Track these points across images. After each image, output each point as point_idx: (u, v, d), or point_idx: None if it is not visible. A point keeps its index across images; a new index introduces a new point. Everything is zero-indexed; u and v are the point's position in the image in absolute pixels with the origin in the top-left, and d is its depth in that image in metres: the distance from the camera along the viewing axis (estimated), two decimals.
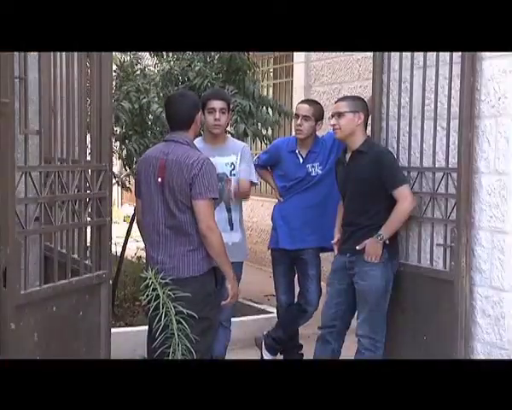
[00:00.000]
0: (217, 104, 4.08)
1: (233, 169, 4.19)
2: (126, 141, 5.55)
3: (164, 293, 3.25)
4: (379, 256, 3.76)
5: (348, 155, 3.96)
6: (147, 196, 3.53)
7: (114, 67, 5.37)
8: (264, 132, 5.86)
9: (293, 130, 4.98)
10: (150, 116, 5.60)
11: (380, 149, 3.95)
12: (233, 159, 4.21)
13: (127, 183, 6.50)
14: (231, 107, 4.67)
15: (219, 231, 3.50)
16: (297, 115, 4.55)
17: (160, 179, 3.44)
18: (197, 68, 5.58)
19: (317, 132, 4.62)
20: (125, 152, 5.64)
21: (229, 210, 4.17)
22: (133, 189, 3.82)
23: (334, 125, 3.93)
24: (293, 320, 4.68)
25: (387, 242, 3.79)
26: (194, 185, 3.37)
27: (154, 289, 3.27)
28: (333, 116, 3.94)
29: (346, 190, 3.97)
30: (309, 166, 4.55)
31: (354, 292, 3.91)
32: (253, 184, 4.35)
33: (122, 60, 5.88)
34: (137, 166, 3.74)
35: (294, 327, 4.71)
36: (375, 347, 3.82)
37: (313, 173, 4.54)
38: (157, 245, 3.49)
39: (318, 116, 4.55)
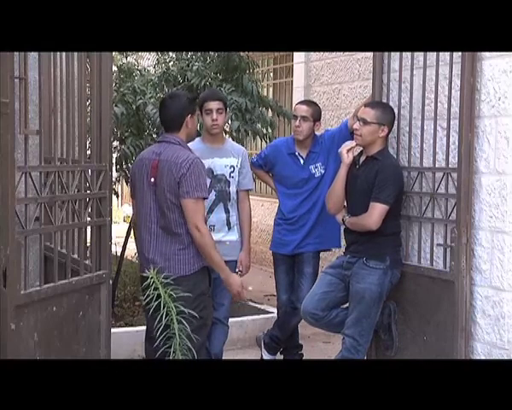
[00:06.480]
0: (213, 105, 4.09)
1: (232, 171, 4.19)
2: (124, 142, 5.53)
3: (166, 292, 3.24)
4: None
5: (363, 158, 3.90)
6: (140, 196, 3.56)
7: (114, 69, 5.35)
8: (264, 132, 5.83)
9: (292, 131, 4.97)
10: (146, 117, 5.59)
11: (392, 161, 3.84)
12: (233, 162, 4.21)
13: (117, 184, 6.36)
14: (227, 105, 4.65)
15: (207, 230, 3.52)
16: (295, 116, 4.55)
17: (152, 179, 3.47)
18: (195, 68, 5.56)
19: (316, 132, 4.61)
20: (115, 154, 5.58)
21: (227, 211, 4.19)
22: (123, 191, 3.83)
23: (356, 129, 3.81)
24: (286, 318, 4.65)
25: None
26: (181, 184, 3.39)
27: (155, 289, 3.27)
28: (358, 119, 3.82)
29: (353, 192, 3.90)
30: (311, 166, 4.54)
31: (343, 289, 3.90)
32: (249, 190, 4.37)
33: (121, 63, 5.86)
34: (132, 167, 3.77)
35: (288, 326, 4.67)
36: (356, 349, 3.78)
37: (317, 174, 4.53)
38: (148, 244, 3.51)
39: (316, 117, 4.54)
